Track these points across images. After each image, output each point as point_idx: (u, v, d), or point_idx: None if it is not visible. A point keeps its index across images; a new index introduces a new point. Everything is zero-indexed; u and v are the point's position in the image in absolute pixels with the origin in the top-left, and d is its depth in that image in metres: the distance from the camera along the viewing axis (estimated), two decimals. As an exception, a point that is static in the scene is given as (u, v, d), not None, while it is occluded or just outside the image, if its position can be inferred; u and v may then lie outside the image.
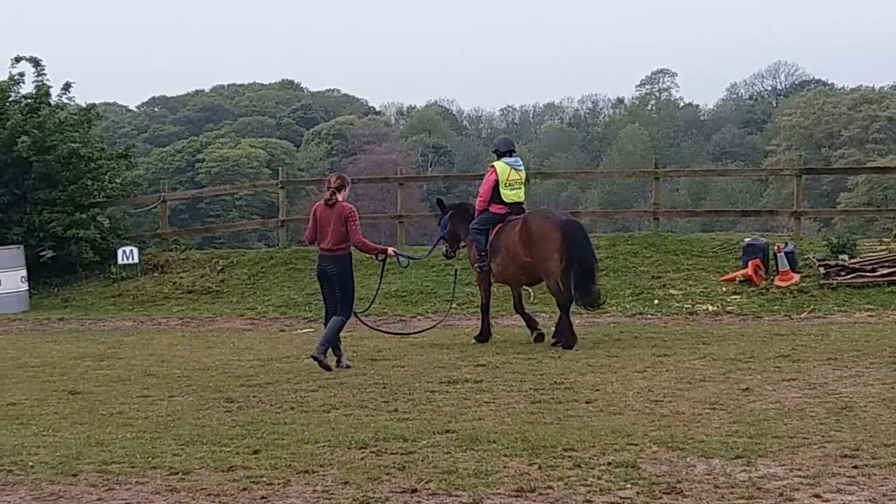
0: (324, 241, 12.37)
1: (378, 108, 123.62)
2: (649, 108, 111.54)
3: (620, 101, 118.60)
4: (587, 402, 9.62)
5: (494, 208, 14.40)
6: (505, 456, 7.48)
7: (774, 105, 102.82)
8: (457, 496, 6.56)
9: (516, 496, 6.55)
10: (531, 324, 14.63)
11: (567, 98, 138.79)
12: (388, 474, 7.10)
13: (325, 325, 12.51)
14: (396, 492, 6.70)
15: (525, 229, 13.85)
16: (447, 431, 8.38)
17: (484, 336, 14.59)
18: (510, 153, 14.68)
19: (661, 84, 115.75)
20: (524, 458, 7.40)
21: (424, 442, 8.01)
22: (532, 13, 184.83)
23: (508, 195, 14.36)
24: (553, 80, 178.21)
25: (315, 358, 12.02)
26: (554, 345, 13.75)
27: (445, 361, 12.52)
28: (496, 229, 14.35)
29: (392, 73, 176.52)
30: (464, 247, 15.42)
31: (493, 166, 14.48)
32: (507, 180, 14.35)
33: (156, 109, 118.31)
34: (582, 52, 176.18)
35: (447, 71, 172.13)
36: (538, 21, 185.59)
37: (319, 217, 12.43)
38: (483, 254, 14.34)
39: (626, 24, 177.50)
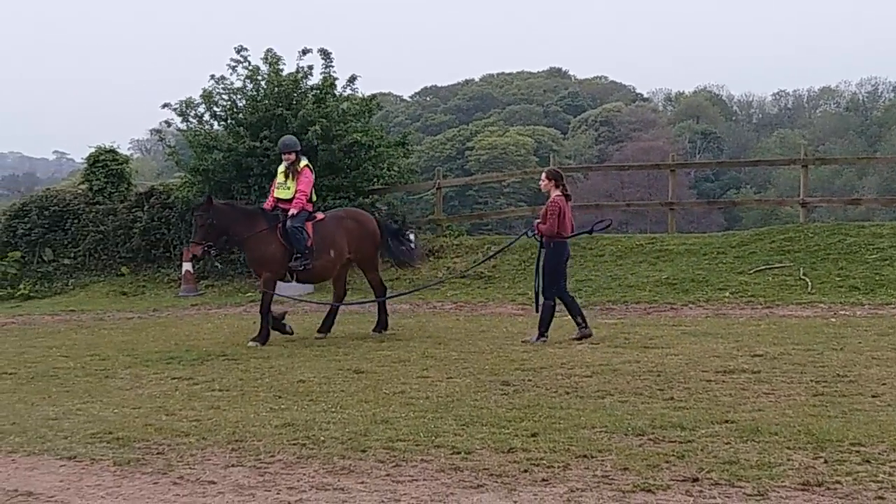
0: (567, 228, 13.77)
1: (646, 95, 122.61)
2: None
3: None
4: (873, 396, 9.24)
5: (308, 206, 15.29)
6: (788, 448, 7.29)
7: None
8: (740, 487, 6.46)
9: (802, 490, 6.38)
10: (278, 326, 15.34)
11: (844, 81, 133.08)
12: (667, 462, 7.07)
13: (569, 300, 13.98)
14: (677, 480, 6.66)
15: (359, 226, 15.50)
16: (726, 422, 8.23)
17: (264, 335, 14.90)
18: None
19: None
20: (808, 452, 7.19)
21: (703, 431, 7.92)
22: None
23: (314, 193, 15.55)
24: (829, 63, 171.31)
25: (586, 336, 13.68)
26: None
27: (720, 351, 12.30)
28: (310, 227, 15.08)
29: (660, 59, 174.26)
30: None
31: (308, 166, 15.23)
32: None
33: (427, 99, 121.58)
34: (860, 33, 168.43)
35: (718, 57, 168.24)
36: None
37: (566, 210, 13.72)
38: (307, 251, 14.86)
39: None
